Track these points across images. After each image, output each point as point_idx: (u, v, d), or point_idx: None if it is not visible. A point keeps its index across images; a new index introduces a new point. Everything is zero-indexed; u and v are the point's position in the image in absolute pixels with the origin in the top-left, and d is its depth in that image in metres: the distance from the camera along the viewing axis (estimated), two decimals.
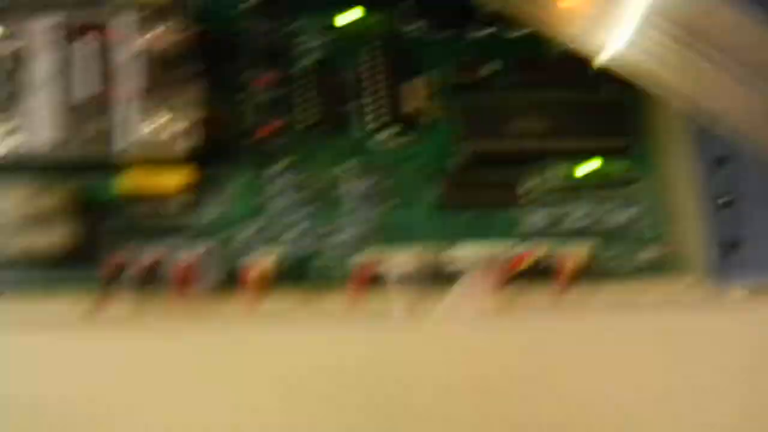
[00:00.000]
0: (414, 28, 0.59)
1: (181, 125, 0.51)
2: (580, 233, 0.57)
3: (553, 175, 0.58)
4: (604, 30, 0.41)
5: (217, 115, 0.54)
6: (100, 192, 0.53)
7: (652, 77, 0.40)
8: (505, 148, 0.56)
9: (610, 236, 0.57)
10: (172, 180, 0.53)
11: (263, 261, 0.52)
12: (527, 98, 0.57)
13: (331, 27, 0.58)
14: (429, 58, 0.58)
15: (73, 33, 0.52)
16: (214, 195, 0.55)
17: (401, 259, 0.53)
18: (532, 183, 0.57)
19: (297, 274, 0.54)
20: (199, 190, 0.54)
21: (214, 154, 0.54)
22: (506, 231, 0.57)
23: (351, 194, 0.56)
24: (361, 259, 0.53)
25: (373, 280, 0.53)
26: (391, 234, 0.55)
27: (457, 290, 0.48)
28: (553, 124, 0.57)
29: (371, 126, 0.56)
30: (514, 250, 0.55)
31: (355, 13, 0.58)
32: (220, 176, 0.55)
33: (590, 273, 0.56)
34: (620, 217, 0.57)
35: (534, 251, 0.54)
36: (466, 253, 0.53)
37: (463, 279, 0.49)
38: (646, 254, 0.57)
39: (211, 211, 0.54)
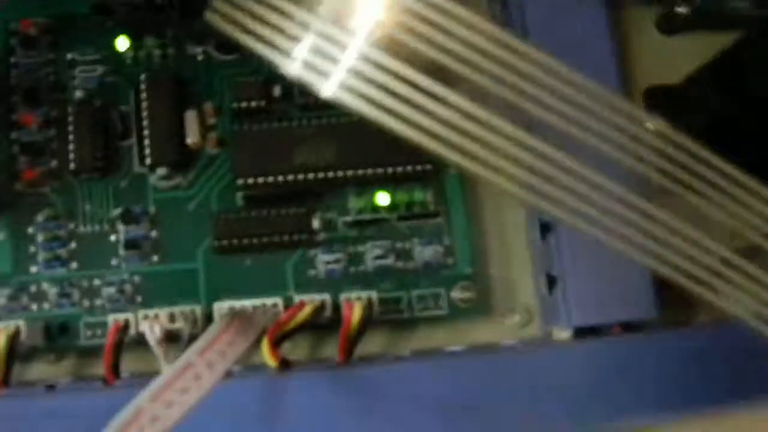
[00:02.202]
0: (194, 53, 0.54)
1: None
2: (379, 273, 0.50)
3: (348, 207, 0.52)
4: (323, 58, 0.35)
5: None
6: None
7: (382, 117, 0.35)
8: (291, 181, 0.50)
9: (416, 275, 0.51)
10: None
11: (11, 327, 0.46)
12: (316, 123, 0.51)
13: (106, 58, 0.53)
14: (210, 85, 0.53)
15: None
16: None
17: (164, 317, 0.47)
18: (324, 219, 0.51)
19: (58, 338, 0.50)
20: None
21: None
22: (295, 277, 0.51)
23: (119, 244, 0.50)
24: (120, 317, 0.48)
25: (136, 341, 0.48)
26: (161, 287, 0.51)
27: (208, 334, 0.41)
28: (347, 150, 0.50)
29: (146, 165, 0.51)
30: (293, 298, 0.49)
31: (125, 42, 0.51)
32: None
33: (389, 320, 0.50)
34: (426, 252, 0.50)
35: (313, 300, 0.47)
36: (236, 305, 0.47)
37: (216, 324, 0.42)
38: (458, 294, 0.50)
39: None
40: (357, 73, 0.35)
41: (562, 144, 0.36)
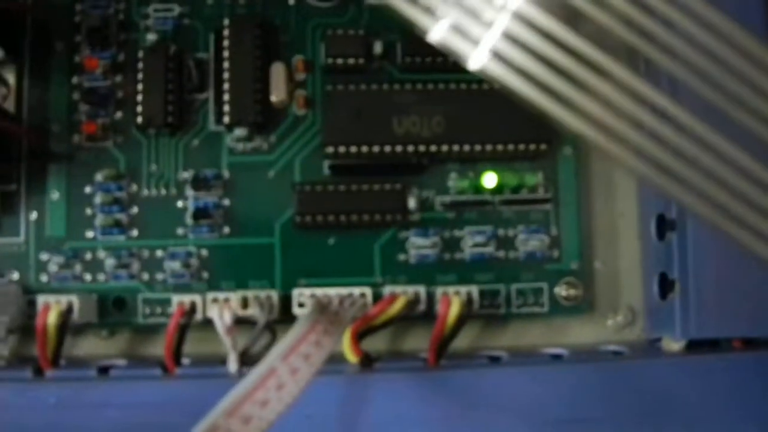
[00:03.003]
0: None
1: None
2: (477, 263, 0.45)
3: (448, 186, 0.46)
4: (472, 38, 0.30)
5: (15, 115, 0.45)
6: None
7: (517, 89, 0.30)
8: (388, 153, 0.44)
9: (517, 267, 0.46)
10: None
11: (63, 303, 0.41)
12: (420, 88, 0.45)
13: None
14: (301, 36, 0.47)
15: None
16: (15, 215, 0.45)
17: (236, 301, 0.41)
18: (420, 197, 0.46)
19: (113, 313, 0.45)
20: (3, 206, 0.45)
21: (23, 160, 0.46)
22: (382, 261, 0.46)
23: (187, 212, 0.45)
24: (185, 300, 0.43)
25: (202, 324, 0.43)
26: (232, 264, 0.45)
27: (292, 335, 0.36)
28: (454, 122, 0.44)
29: (223, 124, 0.45)
30: (384, 288, 0.44)
31: None
32: (31, 187, 0.45)
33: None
34: (531, 243, 0.46)
35: (408, 292, 0.42)
36: (317, 292, 0.41)
37: (301, 323, 0.36)
38: (563, 291, 0.45)
39: (10, 236, 0.45)
40: (512, 39, 0.29)
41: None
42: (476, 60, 0.29)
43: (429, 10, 0.28)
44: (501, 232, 0.46)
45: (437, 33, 0.29)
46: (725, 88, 0.30)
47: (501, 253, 0.46)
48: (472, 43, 0.29)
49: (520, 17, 0.29)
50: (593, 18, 0.29)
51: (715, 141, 0.30)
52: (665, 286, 0.44)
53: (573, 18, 0.29)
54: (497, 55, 0.29)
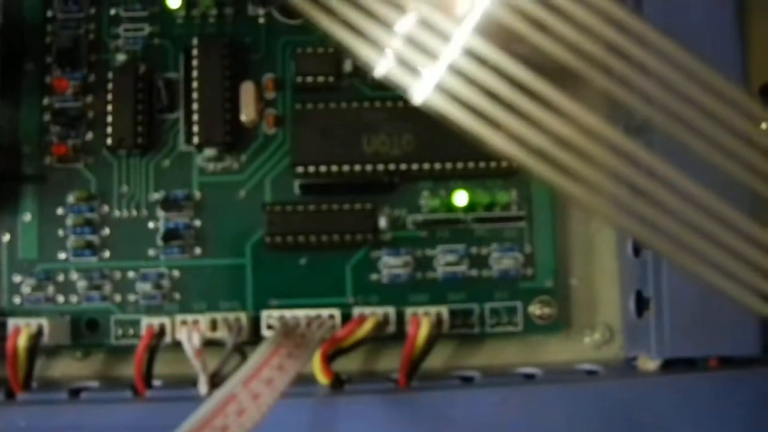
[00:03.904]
0: (255, 14, 0.48)
1: None
2: (450, 282, 0.46)
3: (419, 205, 0.46)
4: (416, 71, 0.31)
5: None
6: None
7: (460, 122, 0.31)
8: (358, 172, 0.45)
9: (491, 286, 0.46)
10: None
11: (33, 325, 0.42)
12: (390, 106, 0.45)
13: (154, 16, 0.47)
14: (271, 54, 0.47)
15: None
16: None
17: (205, 324, 0.41)
18: (392, 216, 0.46)
19: (86, 334, 0.45)
20: None
21: None
22: (354, 280, 0.46)
23: (158, 233, 0.45)
24: (154, 321, 0.43)
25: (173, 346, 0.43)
26: (203, 285, 0.46)
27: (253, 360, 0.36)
28: (424, 140, 0.45)
29: (193, 144, 0.46)
30: (354, 309, 0.44)
31: (177, 0, 0.46)
32: (2, 210, 0.46)
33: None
34: (504, 261, 0.46)
35: (378, 313, 0.43)
36: (286, 314, 0.41)
37: (264, 347, 0.37)
38: (537, 309, 0.46)
39: None
40: (457, 72, 0.29)
41: (665, 154, 0.31)
42: (419, 94, 0.29)
43: (375, 45, 0.28)
44: (474, 250, 0.46)
45: (382, 68, 0.29)
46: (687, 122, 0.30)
47: (474, 272, 0.46)
48: (415, 77, 0.28)
49: (466, 53, 0.29)
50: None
51: (669, 174, 0.30)
52: (641, 303, 0.44)
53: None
54: (441, 89, 0.28)
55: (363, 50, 0.29)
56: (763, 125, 0.43)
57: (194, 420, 0.33)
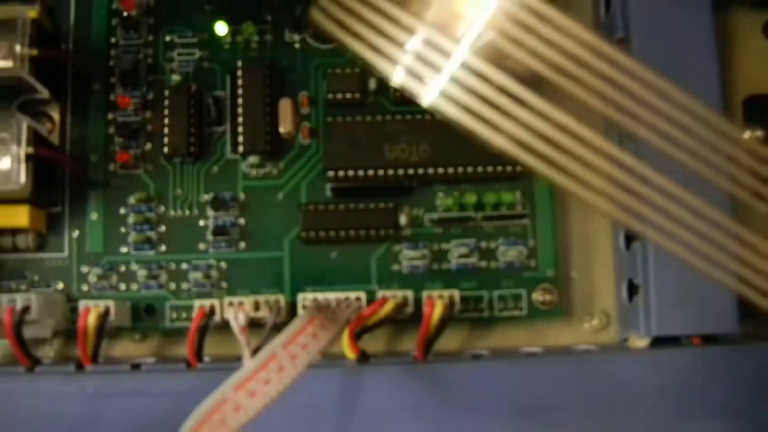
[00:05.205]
0: (292, 40, 0.54)
1: (21, 159, 0.48)
2: (462, 271, 0.51)
3: (435, 205, 0.52)
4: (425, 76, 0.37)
5: (59, 147, 0.52)
6: None
7: (459, 120, 0.36)
8: (381, 176, 0.50)
9: (498, 276, 0.51)
10: (19, 216, 0.50)
11: (101, 306, 0.47)
12: (410, 119, 0.51)
13: (204, 42, 0.54)
14: (305, 75, 0.53)
15: None
16: (60, 233, 0.52)
17: (249, 305, 0.47)
18: (411, 215, 0.52)
19: (144, 318, 0.51)
20: (47, 228, 0.52)
21: (66, 186, 0.52)
22: (378, 271, 0.51)
23: (208, 230, 0.51)
24: (205, 303, 0.48)
25: (220, 326, 0.48)
26: (247, 274, 0.51)
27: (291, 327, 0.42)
28: (439, 148, 0.51)
29: (238, 153, 0.52)
30: (376, 293, 0.49)
31: (224, 27, 0.52)
32: (73, 209, 0.52)
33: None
34: (510, 253, 0.50)
35: (398, 295, 0.48)
36: (319, 297, 0.47)
37: (300, 318, 0.43)
38: (539, 296, 0.50)
39: (55, 251, 0.52)
40: (457, 82, 0.35)
41: (651, 159, 0.37)
42: (427, 98, 0.35)
43: (391, 60, 0.35)
44: (483, 244, 0.51)
45: (397, 78, 0.35)
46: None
47: (483, 263, 0.51)
48: (424, 85, 0.35)
49: (465, 66, 0.35)
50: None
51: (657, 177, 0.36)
52: (632, 290, 0.49)
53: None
54: (444, 95, 0.35)
55: (381, 65, 0.35)
56: (747, 133, 0.49)
57: (242, 372, 0.39)
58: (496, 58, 0.35)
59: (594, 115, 0.37)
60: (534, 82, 0.36)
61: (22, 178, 0.48)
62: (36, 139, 0.48)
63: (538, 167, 0.36)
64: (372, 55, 0.35)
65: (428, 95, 0.35)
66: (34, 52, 0.48)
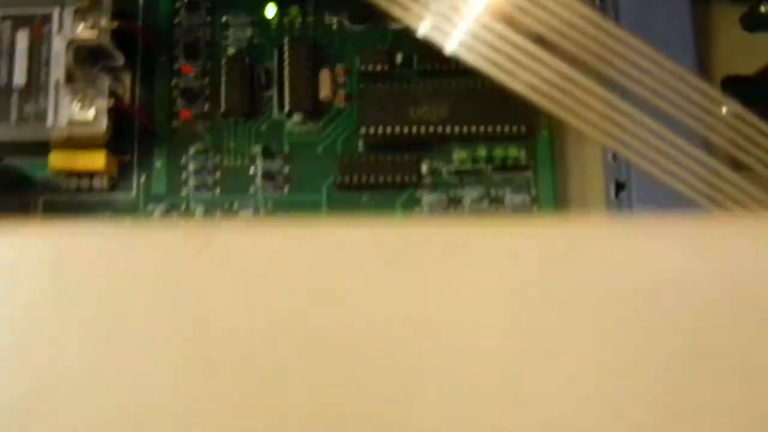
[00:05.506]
0: (330, 22, 0.63)
1: (103, 111, 0.56)
2: (476, 213, 0.59)
3: (452, 158, 0.60)
4: (447, 22, 0.45)
5: (131, 104, 0.60)
6: (33, 170, 0.60)
7: (493, 71, 0.44)
8: (406, 133, 0.58)
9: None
10: (97, 160, 0.58)
11: None
12: (431, 86, 0.59)
13: (255, 22, 0.62)
14: (342, 50, 0.62)
15: (17, 24, 0.58)
16: (128, 178, 0.60)
17: None
18: (431, 166, 0.60)
19: None
20: (120, 170, 0.60)
21: (135, 137, 0.60)
22: (403, 213, 0.59)
23: (257, 176, 0.59)
24: None
25: None
26: (291, 213, 0.59)
27: None
28: (455, 111, 0.59)
29: (284, 113, 0.60)
30: None
31: (273, 10, 0.61)
32: (141, 157, 0.60)
33: None
34: (516, 200, 0.59)
35: None
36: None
37: None
38: None
39: (130, 190, 0.60)
40: (474, 35, 0.44)
41: (637, 104, 0.45)
42: (449, 48, 0.44)
43: (416, 14, 0.44)
44: (492, 192, 0.59)
45: (422, 30, 0.44)
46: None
47: (493, 208, 0.59)
48: (446, 36, 0.44)
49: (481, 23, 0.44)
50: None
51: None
52: (618, 188, 0.56)
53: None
54: (464, 45, 0.44)
55: (409, 18, 0.44)
56: (724, 109, 0.58)
57: None
58: (508, 17, 0.44)
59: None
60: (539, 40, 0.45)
61: (104, 125, 0.56)
62: (114, 96, 0.57)
63: (550, 107, 0.44)
64: (401, 12, 0.44)
65: (450, 45, 0.44)
66: (114, 25, 0.57)
